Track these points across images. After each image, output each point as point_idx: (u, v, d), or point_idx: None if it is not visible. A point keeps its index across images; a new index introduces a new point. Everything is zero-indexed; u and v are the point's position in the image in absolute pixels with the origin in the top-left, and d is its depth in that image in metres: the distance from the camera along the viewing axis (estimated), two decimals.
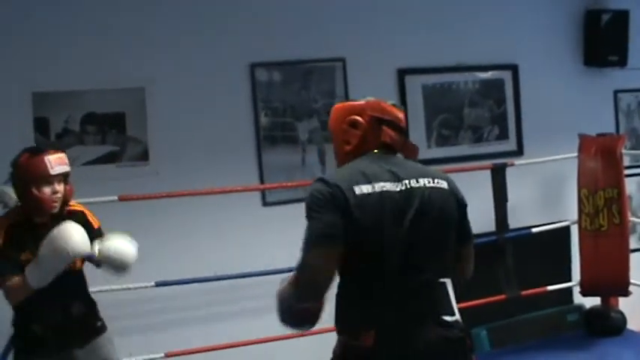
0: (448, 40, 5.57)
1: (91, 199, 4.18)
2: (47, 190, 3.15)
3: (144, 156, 4.78)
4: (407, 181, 2.47)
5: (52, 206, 3.18)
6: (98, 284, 4.18)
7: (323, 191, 2.45)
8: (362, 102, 2.66)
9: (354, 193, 2.41)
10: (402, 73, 5.44)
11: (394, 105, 2.68)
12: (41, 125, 4.56)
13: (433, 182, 2.51)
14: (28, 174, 3.13)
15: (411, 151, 2.72)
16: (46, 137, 4.56)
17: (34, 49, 4.52)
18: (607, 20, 5.94)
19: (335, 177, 2.49)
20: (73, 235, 3.07)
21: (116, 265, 3.34)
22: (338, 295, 2.52)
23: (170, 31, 4.84)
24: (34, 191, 3.12)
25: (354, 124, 2.61)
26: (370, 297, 2.46)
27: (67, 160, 3.26)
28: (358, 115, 2.62)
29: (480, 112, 5.69)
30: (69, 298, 3.32)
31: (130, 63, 4.72)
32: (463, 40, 5.62)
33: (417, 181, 2.48)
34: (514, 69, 5.83)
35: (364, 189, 2.42)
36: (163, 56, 4.81)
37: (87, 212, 3.45)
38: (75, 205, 3.42)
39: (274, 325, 4.78)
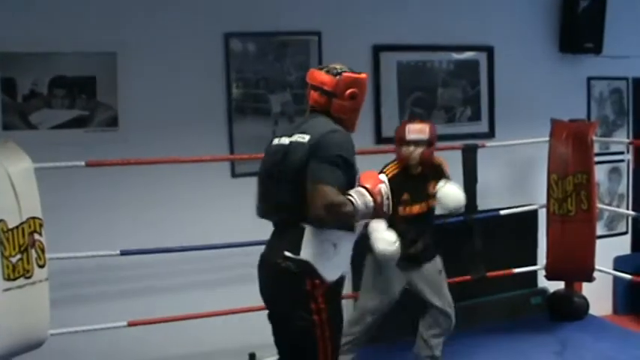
0: (425, 19, 5.55)
1: (58, 164, 4.13)
2: (404, 150, 4.24)
3: (113, 122, 4.71)
4: (286, 137, 3.10)
5: (406, 163, 4.27)
6: (63, 251, 4.14)
7: None
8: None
9: (270, 143, 3.24)
10: (378, 50, 5.41)
11: (323, 69, 3.21)
12: (8, 86, 4.46)
13: (295, 137, 3.04)
14: (396, 136, 4.32)
15: (337, 110, 3.16)
16: (13, 99, 4.47)
17: (1, 8, 4.41)
18: (584, 7, 5.94)
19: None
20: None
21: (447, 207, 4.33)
22: None
23: None
24: (398, 149, 4.29)
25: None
26: None
27: (426, 130, 4.27)
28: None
29: (453, 93, 5.68)
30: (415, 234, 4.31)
31: (103, 26, 4.63)
32: (440, 19, 5.60)
33: (290, 136, 3.08)
34: (489, 51, 5.82)
35: (273, 141, 3.21)
36: (137, 21, 4.72)
37: (443, 163, 4.43)
38: (436, 159, 4.42)
39: (238, 297, 4.80)
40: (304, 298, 2.96)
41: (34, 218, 3.68)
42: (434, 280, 4.41)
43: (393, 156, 4.39)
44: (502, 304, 5.75)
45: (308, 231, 2.94)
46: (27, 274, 3.62)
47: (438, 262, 4.45)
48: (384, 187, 3.04)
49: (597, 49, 6.04)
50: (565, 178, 5.23)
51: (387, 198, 3.08)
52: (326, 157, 2.90)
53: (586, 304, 5.86)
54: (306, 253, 2.94)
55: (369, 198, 2.92)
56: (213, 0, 4.93)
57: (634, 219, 6.53)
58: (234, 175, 5.04)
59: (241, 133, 5.01)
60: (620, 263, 6.32)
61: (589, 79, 6.29)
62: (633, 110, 6.57)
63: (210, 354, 4.99)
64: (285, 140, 3.09)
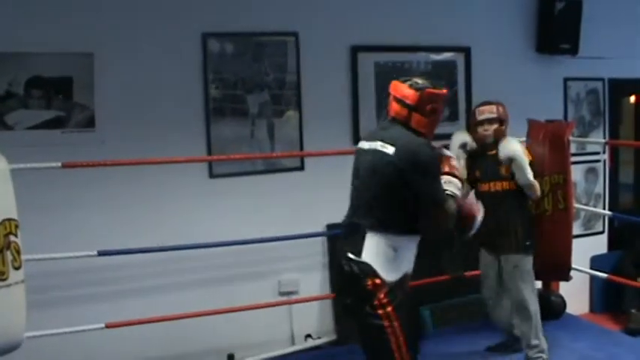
0: (402, 20, 5.57)
1: (34, 165, 4.09)
2: (480, 129, 4.60)
3: (90, 123, 4.68)
4: (370, 143, 3.30)
5: (482, 140, 4.62)
6: (39, 253, 4.11)
7: None
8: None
9: (358, 146, 3.43)
10: (355, 50, 5.43)
11: (406, 82, 3.31)
12: None
13: (379, 145, 3.22)
14: (470, 122, 4.76)
15: (416, 123, 3.31)
16: None
17: None
18: (560, 8, 6.00)
19: None
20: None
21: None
22: None
23: None
24: (474, 132, 4.65)
25: None
26: None
27: (493, 109, 4.61)
28: None
29: None
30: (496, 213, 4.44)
31: (79, 27, 4.60)
32: (417, 20, 5.62)
33: (373, 143, 3.27)
34: (467, 52, 5.86)
35: (360, 145, 3.42)
36: (114, 22, 4.70)
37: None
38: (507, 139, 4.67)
39: (217, 298, 4.77)
40: (367, 295, 3.16)
41: (9, 220, 3.64)
42: (508, 273, 4.72)
43: None
44: (480, 303, 5.75)
45: (369, 235, 3.19)
46: (2, 276, 3.58)
47: (518, 258, 4.69)
48: (454, 161, 3.47)
49: (573, 50, 6.10)
50: (542, 178, 5.23)
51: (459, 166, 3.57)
52: (429, 175, 3.21)
53: (563, 303, 5.88)
54: (366, 255, 3.17)
55: (457, 180, 3.36)
56: (190, 0, 4.92)
57: (610, 218, 6.58)
58: (211, 175, 5.03)
59: (219, 134, 5.00)
60: (596, 262, 6.38)
61: (565, 79, 6.35)
62: (609, 111, 6.63)
63: (188, 355, 4.97)
64: (365, 145, 3.35)
